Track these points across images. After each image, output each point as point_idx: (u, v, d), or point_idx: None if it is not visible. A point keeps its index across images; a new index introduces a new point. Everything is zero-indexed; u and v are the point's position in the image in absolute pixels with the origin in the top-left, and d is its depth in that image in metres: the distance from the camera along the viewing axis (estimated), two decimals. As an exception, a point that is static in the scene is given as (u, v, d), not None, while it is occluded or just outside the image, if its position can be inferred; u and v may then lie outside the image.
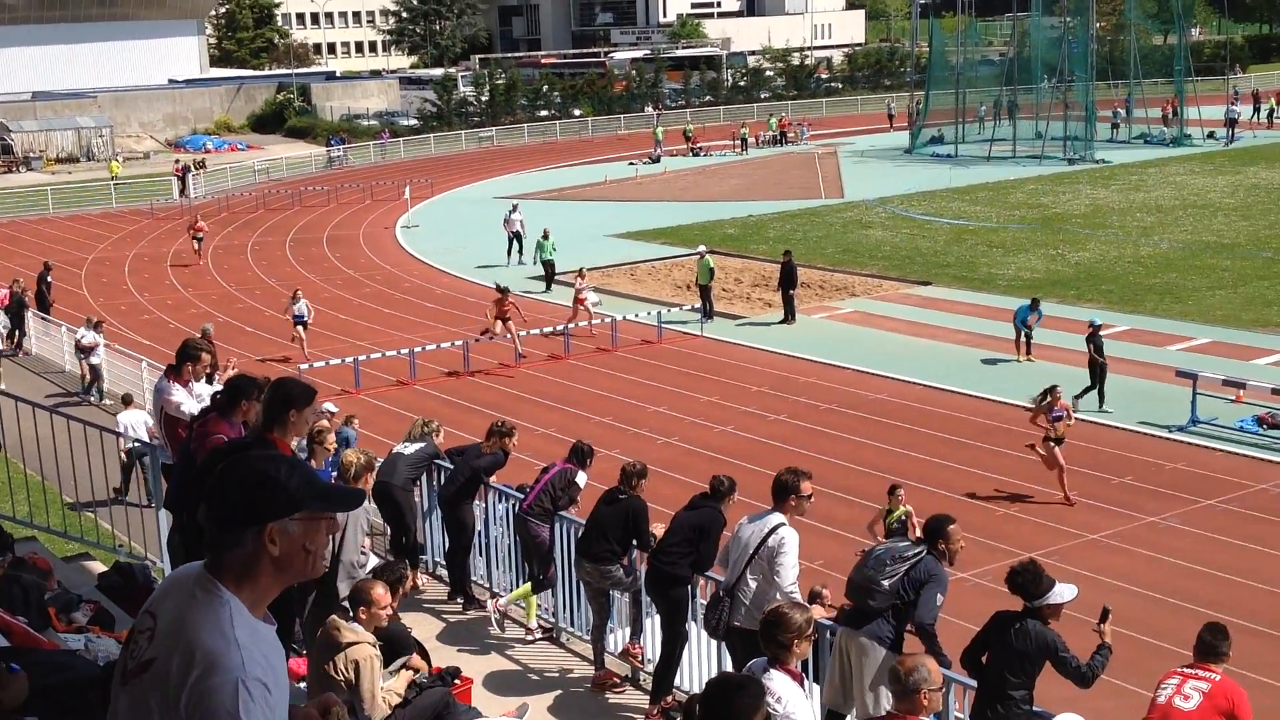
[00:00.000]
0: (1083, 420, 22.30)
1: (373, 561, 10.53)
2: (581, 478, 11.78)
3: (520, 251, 38.83)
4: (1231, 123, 61.16)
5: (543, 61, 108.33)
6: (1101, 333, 23.14)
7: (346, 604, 8.26)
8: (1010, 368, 26.13)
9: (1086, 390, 22.66)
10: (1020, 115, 63.33)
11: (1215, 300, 30.23)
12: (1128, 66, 63.55)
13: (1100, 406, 22.56)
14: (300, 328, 27.94)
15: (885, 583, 8.49)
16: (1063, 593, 8.15)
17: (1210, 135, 61.23)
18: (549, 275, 35.33)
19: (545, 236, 35.27)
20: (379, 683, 7.70)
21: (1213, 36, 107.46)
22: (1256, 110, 65.03)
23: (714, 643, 10.09)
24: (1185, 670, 7.79)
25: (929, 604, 8.43)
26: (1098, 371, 22.74)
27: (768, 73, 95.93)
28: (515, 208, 40.32)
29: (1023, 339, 26.47)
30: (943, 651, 8.39)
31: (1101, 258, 36.05)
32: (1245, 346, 26.34)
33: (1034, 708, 8.14)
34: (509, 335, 27.85)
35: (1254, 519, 18.03)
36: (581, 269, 30.98)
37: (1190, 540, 17.33)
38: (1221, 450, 20.81)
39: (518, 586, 12.18)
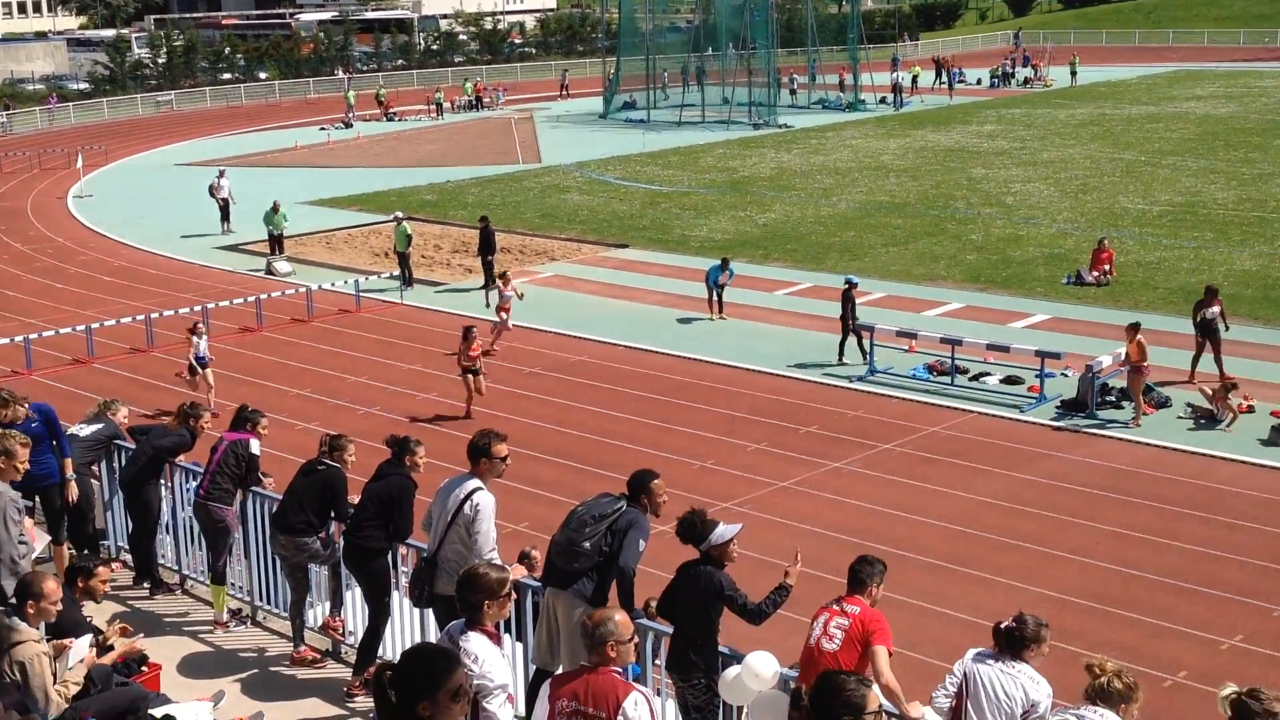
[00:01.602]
0: (773, 374, 23.28)
1: (41, 546, 9.92)
2: (255, 445, 11.42)
3: (228, 220, 37.19)
4: (898, 88, 64.72)
5: (224, 22, 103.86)
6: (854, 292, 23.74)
7: (14, 600, 7.75)
8: (704, 326, 26.92)
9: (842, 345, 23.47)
10: (708, 81, 65.13)
11: (889, 256, 32.01)
12: (806, 34, 66.31)
13: (840, 359, 23.41)
14: None
15: (586, 544, 8.60)
16: (725, 532, 8.51)
17: (883, 100, 64.65)
18: (276, 246, 33.63)
19: (275, 210, 33.33)
20: (50, 679, 7.26)
21: (883, 6, 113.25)
22: (939, 76, 68.97)
23: (419, 611, 10.01)
24: (832, 607, 8.04)
25: (631, 549, 8.60)
26: (846, 328, 23.43)
27: (461, 37, 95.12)
28: (222, 173, 38.62)
29: (714, 298, 27.32)
30: (633, 603, 8.61)
31: (786, 218, 37.57)
32: (917, 299, 28.02)
33: (723, 647, 8.46)
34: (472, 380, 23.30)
35: (927, 460, 19.27)
36: (504, 272, 27.01)
37: (871, 483, 18.36)
38: (897, 397, 22.10)
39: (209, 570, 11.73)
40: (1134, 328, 20.30)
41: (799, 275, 30.85)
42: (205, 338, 22.22)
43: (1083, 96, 63.32)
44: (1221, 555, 15.71)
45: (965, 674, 7.39)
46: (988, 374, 22.78)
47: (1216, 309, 21.77)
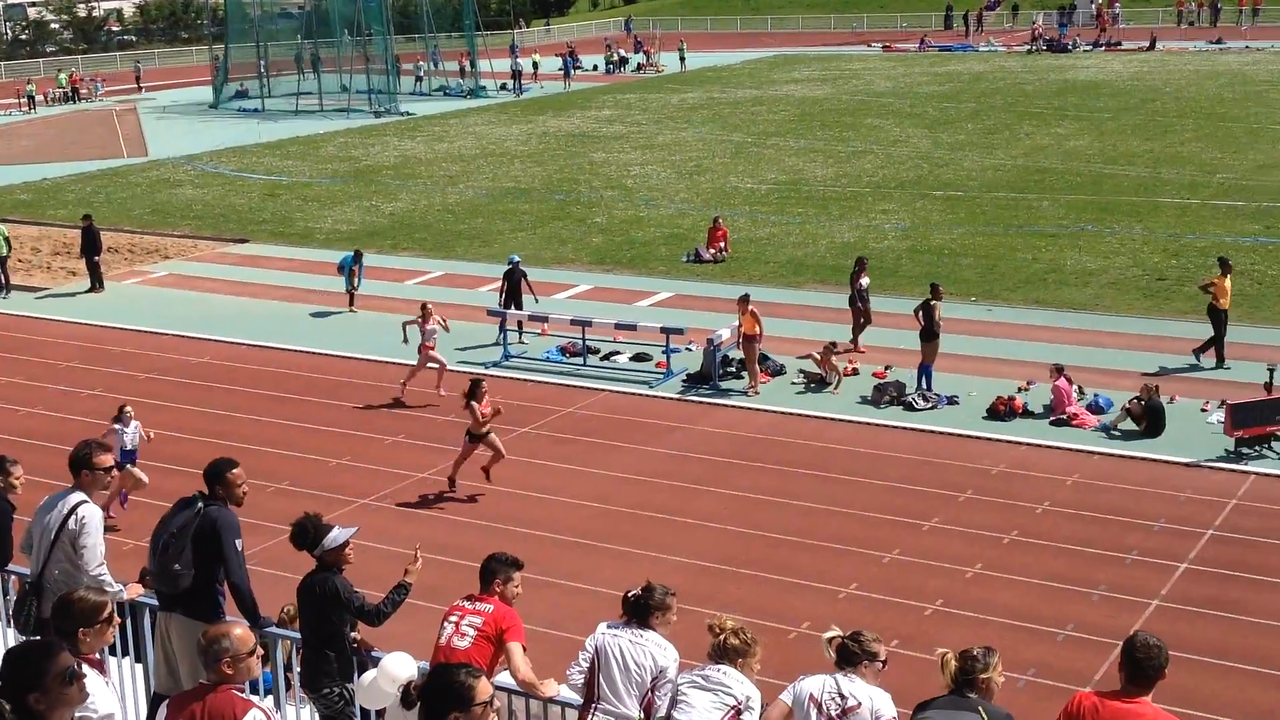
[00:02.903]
0: (407, 365, 23.08)
1: None
2: None
3: None
4: (517, 74, 65.33)
5: None
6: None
7: None
8: (339, 320, 26.35)
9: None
10: (324, 69, 63.61)
11: (518, 242, 32.33)
12: (422, 20, 65.88)
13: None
14: None
15: (177, 565, 8.11)
16: (338, 536, 8.30)
17: (503, 87, 65.11)
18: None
19: None
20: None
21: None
22: (568, 64, 69.94)
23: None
24: (464, 605, 7.89)
25: (233, 560, 8.18)
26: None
27: (53, 25, 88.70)
28: None
29: (350, 290, 26.74)
30: (259, 613, 8.27)
31: (414, 207, 37.26)
32: (548, 283, 28.41)
33: (361, 650, 8.30)
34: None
35: (564, 440, 19.64)
36: (425, 304, 22.11)
37: (510, 467, 18.50)
38: (533, 380, 22.39)
39: None
40: (744, 300, 21.34)
41: (430, 264, 30.68)
42: (135, 423, 17.28)
43: (692, 81, 65.99)
44: (836, 510, 16.85)
45: (596, 647, 7.53)
46: (618, 353, 23.43)
47: (866, 281, 23.21)
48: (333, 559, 8.27)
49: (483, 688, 5.09)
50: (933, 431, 19.47)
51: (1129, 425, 19.04)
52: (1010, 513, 16.51)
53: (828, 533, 16.18)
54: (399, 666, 7.14)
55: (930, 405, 20.38)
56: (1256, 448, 17.92)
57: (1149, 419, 18.84)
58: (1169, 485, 17.16)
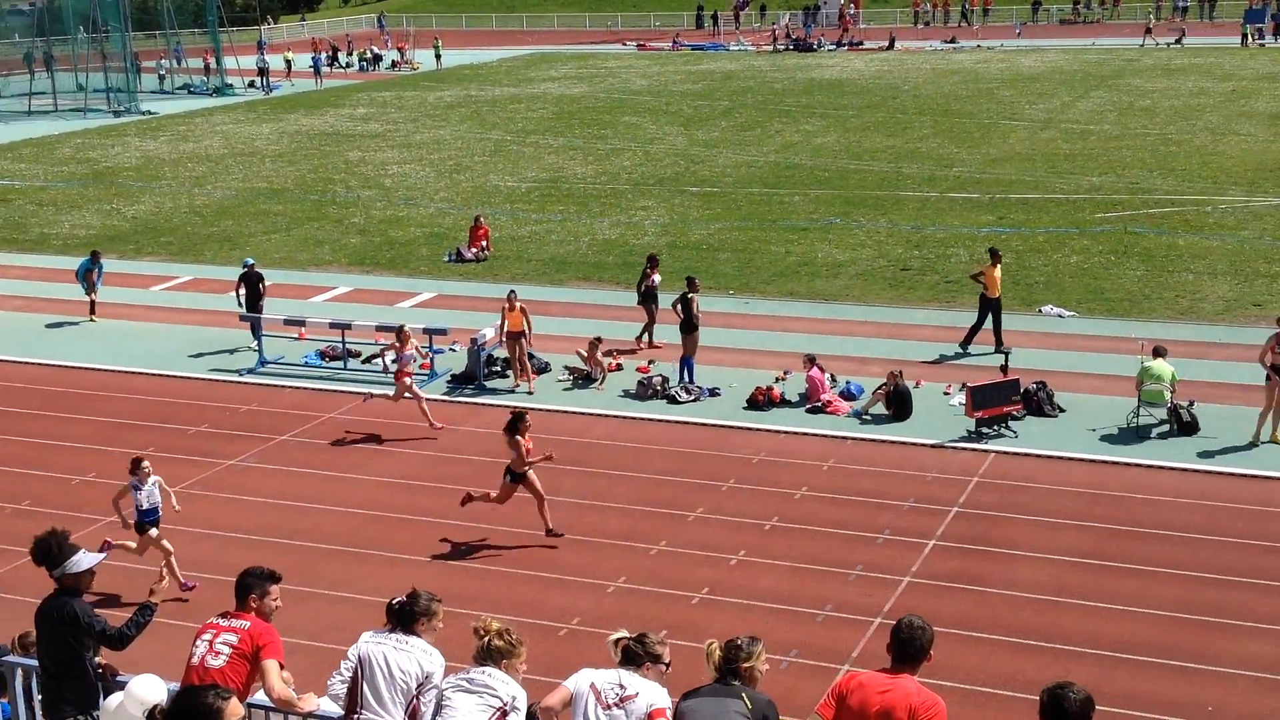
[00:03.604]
0: (155, 374, 22.14)
1: None
2: None
3: None
4: (264, 71, 63.45)
5: None
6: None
7: None
8: (77, 330, 25.05)
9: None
10: (59, 68, 60.39)
11: (272, 244, 31.42)
12: (162, 16, 63.27)
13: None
14: None
15: None
16: (81, 561, 7.93)
17: (251, 84, 63.14)
18: None
19: None
20: None
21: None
22: (334, 60, 68.07)
23: None
24: (218, 622, 7.68)
25: None
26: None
27: None
28: None
29: (90, 297, 25.45)
30: None
31: (158, 209, 35.76)
32: (304, 285, 27.74)
33: (107, 675, 7.92)
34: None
35: (323, 447, 19.19)
36: (401, 326, 20.21)
37: (269, 477, 17.99)
38: (290, 387, 21.79)
39: None
40: (512, 296, 21.29)
41: (177, 269, 29.51)
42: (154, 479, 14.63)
43: (449, 79, 65.43)
44: (603, 505, 16.97)
45: (359, 656, 7.41)
46: (379, 355, 23.02)
47: (658, 278, 23.29)
48: (73, 583, 7.87)
49: (232, 709, 4.93)
50: (695, 424, 19.84)
51: (879, 410, 19.83)
52: (771, 500, 16.97)
53: (595, 528, 16.29)
54: (147, 690, 6.84)
55: (693, 398, 20.76)
56: (995, 427, 18.91)
57: (897, 403, 19.67)
58: (916, 466, 17.94)
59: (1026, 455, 18.06)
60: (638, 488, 17.51)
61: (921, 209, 33.20)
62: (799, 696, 10.69)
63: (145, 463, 14.49)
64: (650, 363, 22.37)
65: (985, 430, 18.85)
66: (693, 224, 32.47)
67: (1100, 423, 19.02)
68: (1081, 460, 17.21)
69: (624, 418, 20.23)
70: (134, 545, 14.47)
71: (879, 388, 20.01)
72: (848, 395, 20.52)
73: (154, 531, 14.36)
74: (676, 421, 19.94)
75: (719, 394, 20.95)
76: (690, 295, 21.38)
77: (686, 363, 21.20)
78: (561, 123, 50.01)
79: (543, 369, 22.18)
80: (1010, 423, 19.03)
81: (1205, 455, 17.78)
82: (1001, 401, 18.96)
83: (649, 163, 41.06)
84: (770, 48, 74.45)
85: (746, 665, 7.01)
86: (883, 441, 18.90)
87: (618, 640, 7.31)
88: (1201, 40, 68.34)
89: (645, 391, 21.01)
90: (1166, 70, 57.05)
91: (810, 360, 20.57)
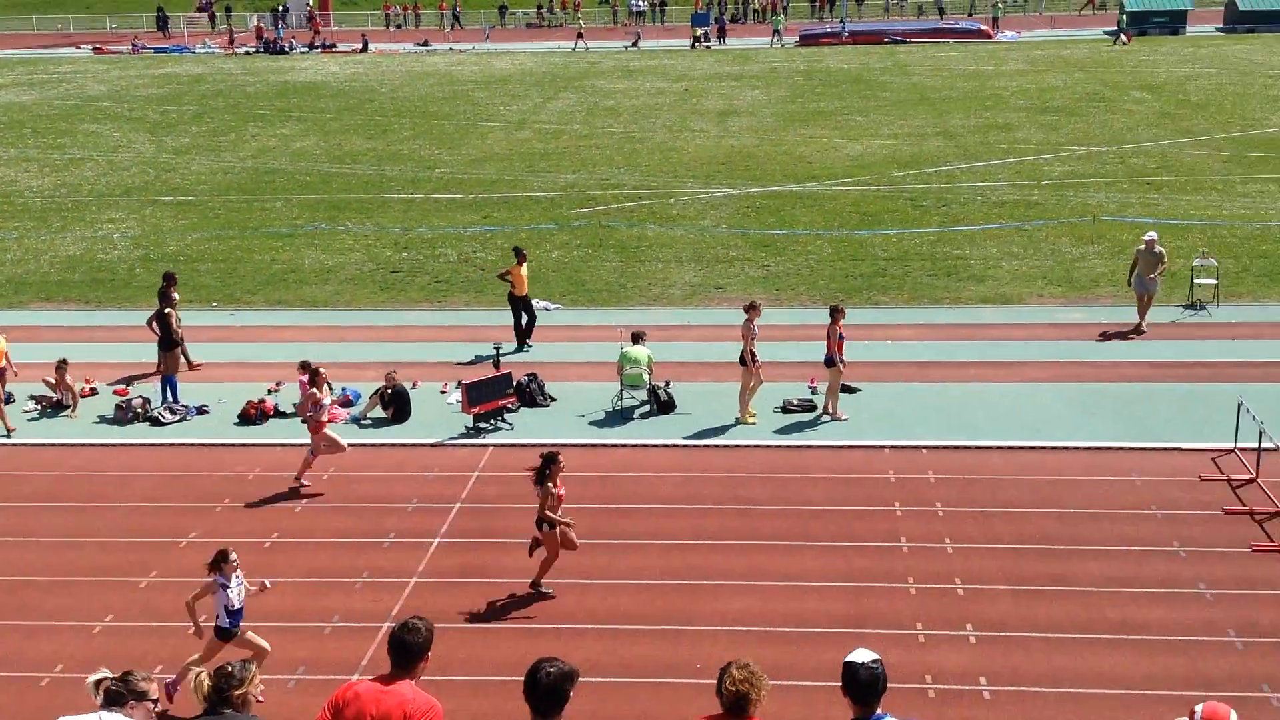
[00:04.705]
0: None
1: None
2: None
3: None
4: None
5: None
6: None
7: None
8: None
9: None
10: None
11: None
12: None
13: None
14: None
15: None
16: None
17: None
18: None
19: None
20: None
21: None
22: None
23: None
24: None
25: None
26: None
27: None
28: None
29: None
30: None
31: None
32: None
33: None
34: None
35: None
36: (314, 369, 17.66)
37: None
38: None
39: None
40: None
41: None
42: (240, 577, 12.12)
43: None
44: (81, 541, 15.73)
45: None
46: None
47: (177, 296, 21.47)
48: None
49: None
50: (184, 444, 18.85)
51: (378, 413, 19.70)
52: (270, 516, 16.42)
53: (75, 566, 15.07)
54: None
55: (179, 418, 19.71)
56: (491, 421, 19.32)
57: (395, 405, 19.63)
58: (418, 466, 17.98)
59: (523, 446, 18.57)
60: (123, 518, 16.37)
61: (407, 211, 33.33)
62: (307, 716, 10.40)
63: (233, 554, 12.09)
64: (128, 383, 21.01)
65: (483, 425, 19.20)
66: (167, 235, 30.85)
67: (589, 408, 19.90)
68: (573, 445, 17.91)
69: (103, 445, 18.87)
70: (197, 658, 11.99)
71: (375, 391, 19.88)
72: (345, 402, 20.24)
73: (249, 633, 12.24)
74: (163, 444, 18.86)
75: (207, 411, 20.02)
76: (167, 311, 20.29)
77: (168, 381, 20.10)
78: (11, 132, 45.97)
79: (8, 400, 20.25)
80: (506, 415, 19.50)
81: (683, 431, 19.05)
82: (496, 396, 19.39)
83: (114, 172, 38.58)
84: (235, 50, 72.02)
85: (239, 692, 6.71)
86: (383, 445, 18.80)
87: (98, 681, 6.82)
88: (656, 43, 73.21)
89: (125, 415, 19.72)
90: (627, 72, 60.63)
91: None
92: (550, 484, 13.77)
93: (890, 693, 6.79)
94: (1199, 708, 6.18)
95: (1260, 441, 16.50)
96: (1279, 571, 14.30)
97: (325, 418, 17.28)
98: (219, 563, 11.96)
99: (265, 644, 12.25)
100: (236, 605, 11.99)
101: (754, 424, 19.03)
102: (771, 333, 21.08)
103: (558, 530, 13.98)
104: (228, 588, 11.92)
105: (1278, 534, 15.13)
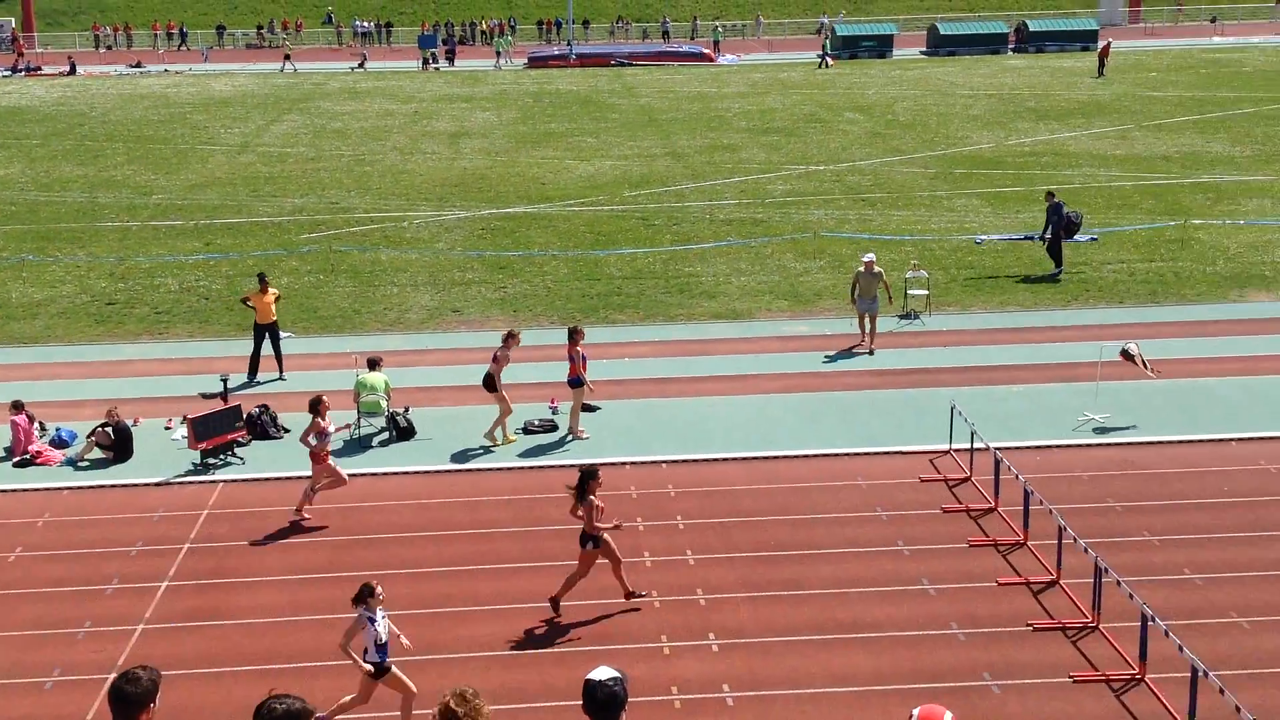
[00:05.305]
0: None
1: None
2: None
3: None
4: None
5: None
6: None
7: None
8: None
9: None
10: None
11: None
12: None
13: None
14: None
15: None
16: None
17: None
18: None
19: None
20: None
21: None
22: None
23: None
24: None
25: None
26: None
27: None
28: None
29: None
30: None
31: None
32: None
33: None
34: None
35: None
36: (319, 400, 16.83)
37: None
38: None
39: None
40: None
41: None
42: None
43: None
44: None
45: None
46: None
47: None
48: None
49: None
50: (-123, 496, 17.40)
51: (97, 454, 18.69)
52: (-21, 568, 15.34)
53: None
54: None
55: None
56: (221, 456, 18.60)
57: (117, 443, 18.67)
58: (143, 507, 17.14)
59: (256, 480, 17.95)
60: None
61: (123, 239, 31.81)
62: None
63: (379, 588, 11.46)
64: None
65: (211, 461, 18.47)
66: None
67: (324, 438, 19.39)
68: (309, 478, 17.43)
69: None
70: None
71: (93, 430, 18.85)
72: (59, 443, 19.13)
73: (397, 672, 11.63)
74: None
75: (-96, 460, 18.57)
76: None
77: None
78: None
79: None
80: (236, 449, 18.81)
81: (423, 457, 18.79)
82: (225, 429, 18.69)
83: None
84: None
85: None
86: (105, 486, 17.84)
87: None
88: (383, 64, 72.28)
89: None
90: (354, 93, 59.63)
91: (17, 407, 18.88)
92: (592, 497, 13.80)
93: (636, 706, 6.87)
94: (915, 711, 6.46)
95: (972, 442, 17.53)
96: (993, 564, 15.19)
97: (329, 447, 16.68)
98: (365, 596, 11.46)
99: (412, 684, 11.78)
100: (385, 639, 11.52)
101: (514, 443, 19.12)
102: (511, 354, 21.06)
103: (603, 542, 13.95)
104: (375, 622, 11.45)
105: (991, 529, 16.07)
